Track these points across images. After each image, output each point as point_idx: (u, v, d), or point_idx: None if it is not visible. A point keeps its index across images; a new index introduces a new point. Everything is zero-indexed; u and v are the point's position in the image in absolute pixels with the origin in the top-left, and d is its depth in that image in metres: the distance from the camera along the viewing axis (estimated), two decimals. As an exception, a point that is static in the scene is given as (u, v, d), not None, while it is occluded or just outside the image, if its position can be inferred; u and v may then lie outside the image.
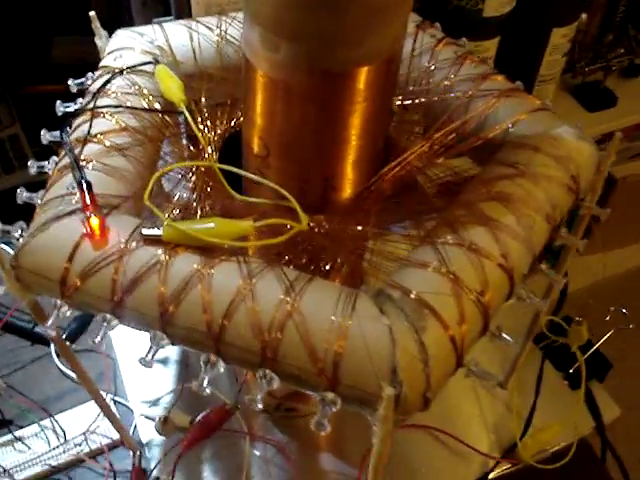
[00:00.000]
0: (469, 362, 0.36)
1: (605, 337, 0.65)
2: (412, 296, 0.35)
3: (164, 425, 0.52)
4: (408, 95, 0.48)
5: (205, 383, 0.35)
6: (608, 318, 0.66)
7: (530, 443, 0.60)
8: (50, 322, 0.37)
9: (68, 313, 0.37)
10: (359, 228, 0.41)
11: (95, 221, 0.36)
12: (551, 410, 0.63)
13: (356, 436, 0.59)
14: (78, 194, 0.38)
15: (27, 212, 0.41)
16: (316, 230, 0.40)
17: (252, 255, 0.38)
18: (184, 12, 0.58)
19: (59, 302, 0.37)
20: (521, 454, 0.60)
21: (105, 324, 0.36)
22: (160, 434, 0.54)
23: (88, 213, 0.36)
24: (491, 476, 0.59)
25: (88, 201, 0.37)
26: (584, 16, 1.30)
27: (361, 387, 0.33)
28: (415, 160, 0.43)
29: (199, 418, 0.55)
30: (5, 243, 0.42)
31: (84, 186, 0.37)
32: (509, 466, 0.60)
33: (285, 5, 0.34)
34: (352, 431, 0.55)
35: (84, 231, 0.36)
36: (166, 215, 0.39)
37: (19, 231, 0.40)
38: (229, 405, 0.56)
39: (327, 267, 0.42)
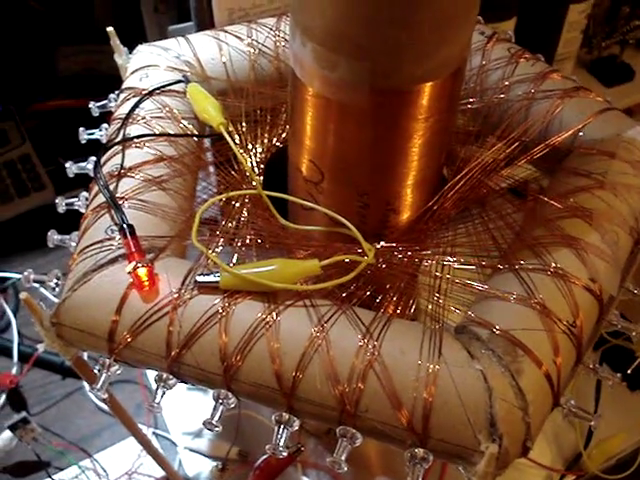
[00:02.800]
0: (565, 401, 0.33)
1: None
2: (501, 333, 0.31)
3: (221, 473, 0.49)
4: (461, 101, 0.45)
5: (282, 443, 0.32)
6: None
7: (595, 453, 0.57)
8: (100, 384, 0.34)
9: (118, 372, 0.34)
10: (427, 252, 0.37)
11: (143, 270, 0.32)
12: (613, 416, 0.60)
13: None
14: (118, 238, 0.35)
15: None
16: (380, 260, 0.37)
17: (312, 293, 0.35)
18: (205, 19, 0.54)
19: (107, 361, 0.34)
20: (587, 465, 0.57)
21: (162, 384, 0.33)
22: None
23: (134, 260, 0.33)
24: (557, 491, 0.56)
25: (133, 248, 0.33)
26: (595, -11, 1.26)
27: (455, 441, 0.30)
28: (478, 174, 0.40)
29: (259, 463, 0.51)
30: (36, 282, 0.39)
31: (126, 231, 0.34)
32: (574, 478, 0.57)
33: (346, 18, 0.30)
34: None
35: (130, 280, 0.33)
36: (210, 250, 0.36)
37: (54, 280, 0.37)
38: (292, 448, 0.52)
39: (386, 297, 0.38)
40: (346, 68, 0.32)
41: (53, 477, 0.56)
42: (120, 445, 0.58)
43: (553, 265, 0.34)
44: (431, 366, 0.30)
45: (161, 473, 0.56)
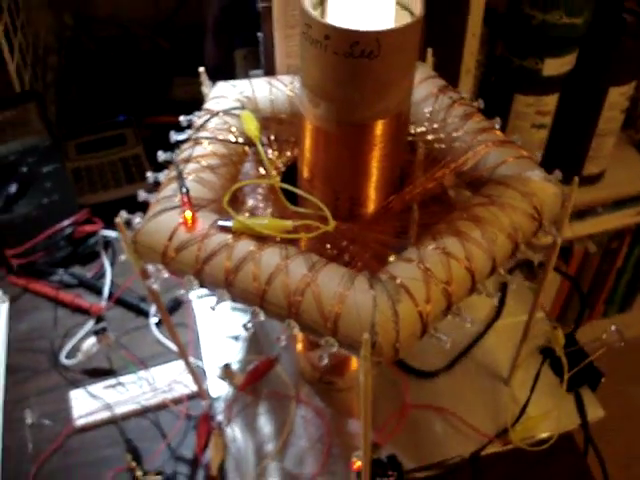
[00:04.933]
0: (434, 331, 0.51)
1: (598, 352, 0.77)
2: (394, 280, 0.50)
3: (226, 370, 0.70)
4: (427, 142, 0.64)
5: (250, 325, 0.52)
6: (604, 336, 0.78)
7: (520, 429, 0.73)
8: (152, 280, 0.55)
9: (165, 275, 0.55)
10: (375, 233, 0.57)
11: (189, 214, 0.54)
12: (546, 406, 0.76)
13: (379, 409, 0.74)
14: (179, 196, 0.56)
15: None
16: (342, 233, 0.56)
17: (302, 248, 0.55)
18: (271, 69, 0.77)
19: (160, 267, 0.55)
20: (511, 437, 0.73)
21: (189, 283, 0.54)
22: (222, 378, 0.72)
23: (185, 209, 0.54)
24: (483, 452, 0.73)
25: (185, 202, 0.55)
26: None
27: (351, 335, 0.49)
28: (418, 188, 0.59)
29: (251, 367, 0.72)
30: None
31: (184, 191, 0.55)
32: (500, 446, 0.73)
33: (324, 78, 0.51)
34: (376, 405, 0.70)
35: (180, 221, 0.54)
36: (238, 215, 0.56)
37: (137, 219, 0.58)
38: (272, 357, 0.73)
39: (348, 259, 0.58)
40: (324, 107, 0.52)
41: (118, 379, 0.78)
42: (167, 365, 0.79)
43: (442, 247, 0.52)
44: (343, 290, 0.49)
45: (193, 388, 0.77)
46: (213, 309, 0.53)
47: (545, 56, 1.09)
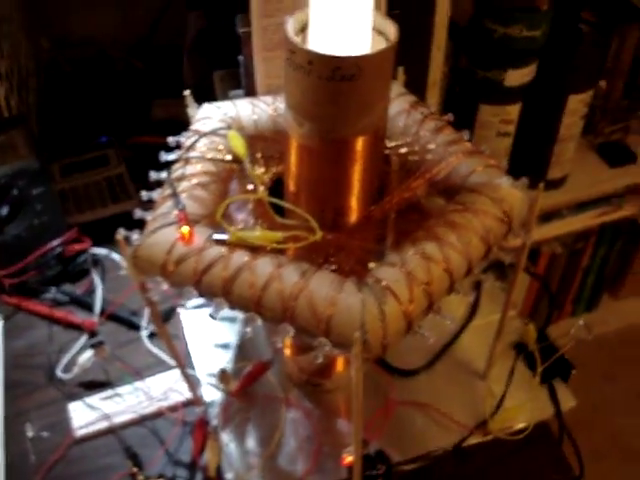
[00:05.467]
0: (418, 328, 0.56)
1: (567, 345, 0.82)
2: (380, 283, 0.55)
3: (222, 374, 0.73)
4: (401, 155, 0.69)
5: (249, 330, 0.56)
6: (573, 331, 0.83)
7: (498, 420, 0.78)
8: (152, 293, 0.59)
9: (165, 287, 0.59)
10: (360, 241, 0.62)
11: (186, 229, 0.58)
12: (521, 397, 0.81)
13: (366, 408, 0.78)
14: (175, 213, 0.60)
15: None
16: (327, 242, 0.61)
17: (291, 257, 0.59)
18: (251, 89, 0.81)
19: (159, 280, 0.59)
20: (490, 428, 0.78)
21: (188, 294, 0.58)
22: (219, 382, 0.76)
23: (182, 224, 0.58)
24: (465, 443, 0.77)
25: (182, 218, 0.59)
26: (602, 83, 1.49)
27: (343, 335, 0.53)
28: (396, 198, 0.64)
29: (245, 371, 0.76)
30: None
31: (180, 207, 0.59)
32: (480, 437, 0.78)
33: (307, 100, 0.55)
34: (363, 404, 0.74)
35: (178, 235, 0.58)
36: (231, 228, 0.60)
37: (135, 235, 0.62)
38: (265, 360, 0.78)
39: (334, 268, 0.62)
40: (307, 126, 0.57)
41: (115, 390, 0.81)
42: (161, 375, 0.83)
43: (422, 251, 0.57)
44: (334, 294, 0.54)
45: (187, 396, 0.80)
46: (213, 317, 0.57)
47: (507, 67, 1.15)
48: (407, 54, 0.77)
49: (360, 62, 0.52)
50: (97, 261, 0.95)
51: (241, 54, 0.80)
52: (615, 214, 1.54)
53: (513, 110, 1.24)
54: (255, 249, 0.58)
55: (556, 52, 1.20)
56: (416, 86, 0.76)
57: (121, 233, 0.61)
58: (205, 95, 0.79)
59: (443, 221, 0.60)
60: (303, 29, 0.58)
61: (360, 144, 0.58)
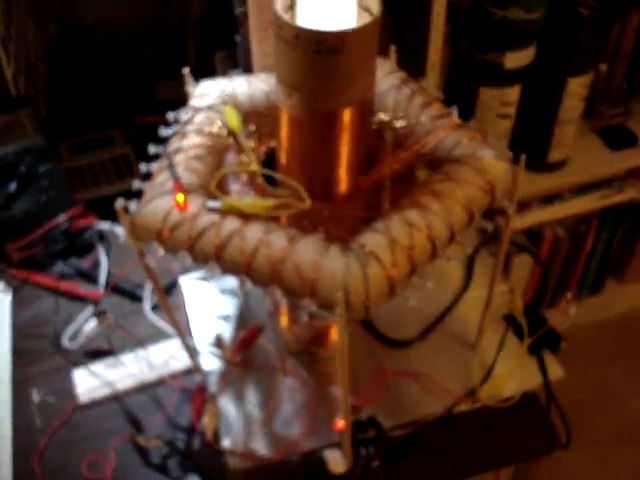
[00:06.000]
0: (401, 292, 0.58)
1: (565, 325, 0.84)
2: (364, 248, 0.57)
3: (218, 339, 0.76)
4: (393, 129, 0.72)
5: (244, 300, 0.59)
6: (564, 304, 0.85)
7: (487, 388, 0.81)
8: (149, 259, 0.62)
9: (161, 253, 0.62)
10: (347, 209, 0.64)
11: (181, 197, 0.60)
12: (510, 367, 0.83)
13: (360, 377, 0.81)
14: (171, 182, 0.63)
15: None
16: (317, 210, 0.63)
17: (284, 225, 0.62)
18: (249, 68, 0.84)
19: (155, 246, 0.62)
20: (479, 395, 0.80)
21: (183, 259, 0.60)
22: (215, 346, 0.79)
23: (177, 193, 0.61)
24: (455, 411, 0.80)
25: (177, 187, 0.61)
26: (603, 67, 1.50)
27: (327, 296, 0.55)
28: (385, 169, 0.66)
29: (239, 336, 0.79)
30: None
31: (176, 177, 0.62)
32: (470, 404, 0.81)
33: (295, 73, 0.58)
34: (356, 373, 0.76)
35: (174, 204, 0.61)
36: (224, 196, 0.63)
37: (133, 205, 0.65)
38: (258, 325, 0.81)
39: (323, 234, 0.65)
40: (296, 98, 0.59)
41: (118, 358, 0.84)
42: (162, 344, 0.86)
43: (405, 218, 0.59)
44: (319, 258, 0.56)
45: (187, 364, 0.83)
46: (207, 280, 0.59)
47: (506, 50, 1.16)
48: (406, 37, 0.79)
49: (344, 36, 0.55)
50: (102, 236, 0.98)
51: (238, 34, 0.83)
52: (616, 197, 1.55)
53: (513, 92, 1.25)
54: (247, 217, 0.60)
55: (555, 35, 1.21)
56: (416, 70, 0.78)
57: (120, 203, 0.63)
58: (208, 76, 0.82)
59: (427, 190, 0.62)
60: (292, 6, 0.60)
61: (347, 116, 0.61)
